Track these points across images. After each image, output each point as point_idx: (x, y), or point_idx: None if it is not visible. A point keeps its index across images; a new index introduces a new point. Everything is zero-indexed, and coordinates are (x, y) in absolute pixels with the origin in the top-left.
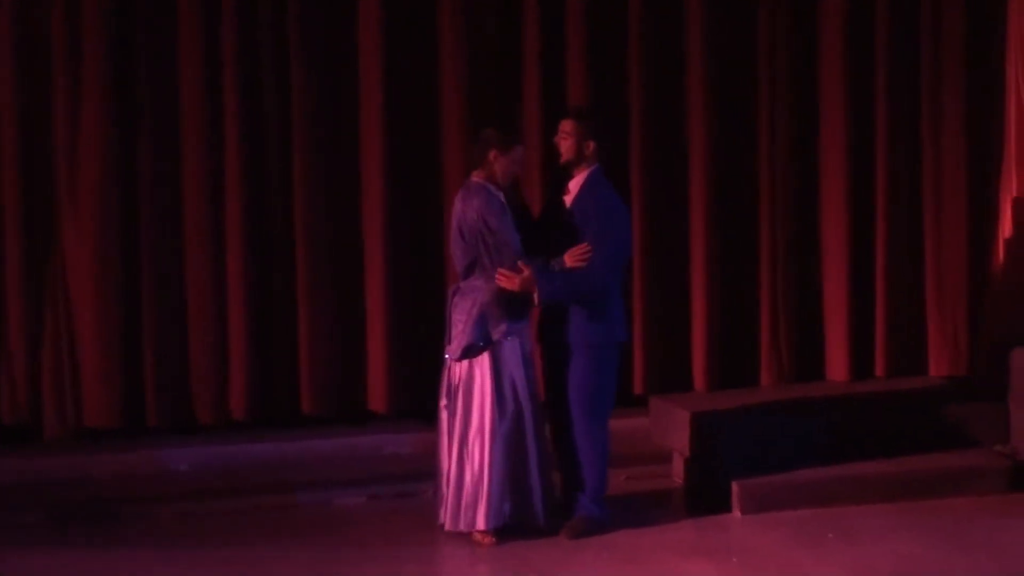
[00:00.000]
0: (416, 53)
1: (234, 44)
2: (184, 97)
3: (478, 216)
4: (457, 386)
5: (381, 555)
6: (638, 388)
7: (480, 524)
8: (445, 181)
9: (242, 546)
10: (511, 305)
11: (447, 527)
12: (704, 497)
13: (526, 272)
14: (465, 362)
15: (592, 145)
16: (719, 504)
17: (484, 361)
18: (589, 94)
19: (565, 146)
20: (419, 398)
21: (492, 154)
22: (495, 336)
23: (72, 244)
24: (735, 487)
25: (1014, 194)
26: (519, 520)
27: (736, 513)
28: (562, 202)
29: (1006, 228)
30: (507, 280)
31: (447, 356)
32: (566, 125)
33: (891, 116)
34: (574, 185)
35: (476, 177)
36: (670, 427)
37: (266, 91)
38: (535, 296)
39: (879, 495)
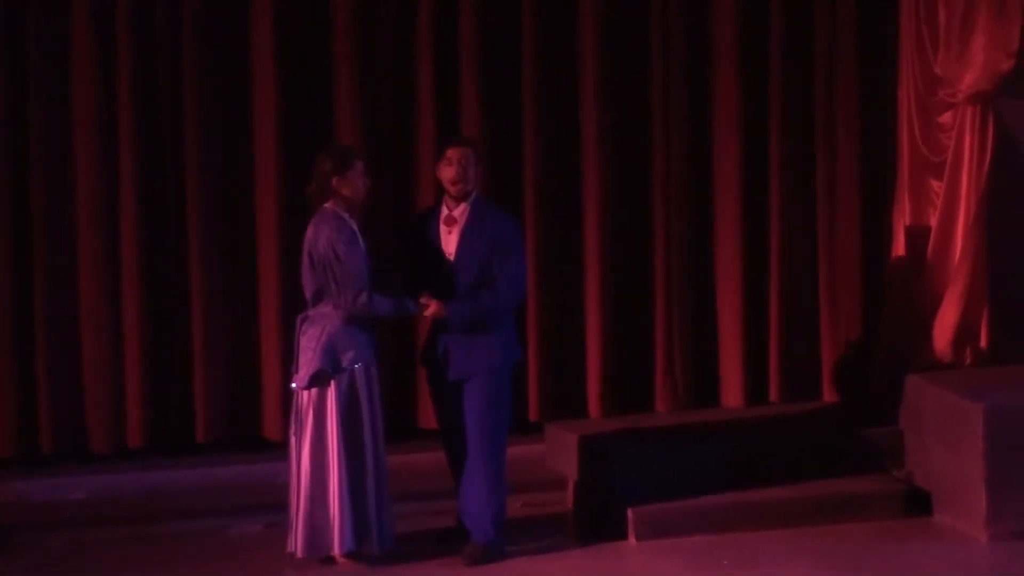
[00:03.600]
0: (310, 83)
1: (129, 78)
2: (76, 125)
3: (328, 245)
4: (306, 414)
5: None
6: (533, 415)
7: (334, 550)
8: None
9: (134, 573)
10: (360, 332)
11: (299, 555)
12: (600, 524)
13: (433, 303)
14: (314, 390)
15: (481, 170)
16: (615, 531)
17: (332, 389)
18: (483, 118)
19: (469, 175)
20: None
21: (334, 181)
22: (344, 363)
23: None
24: (630, 514)
25: (907, 222)
26: (358, 547)
27: (632, 540)
28: (434, 229)
29: (900, 254)
30: (423, 308)
31: (293, 385)
32: (466, 153)
33: (785, 145)
34: (460, 213)
35: (328, 205)
36: (565, 453)
37: (161, 120)
38: (446, 320)
39: (776, 521)
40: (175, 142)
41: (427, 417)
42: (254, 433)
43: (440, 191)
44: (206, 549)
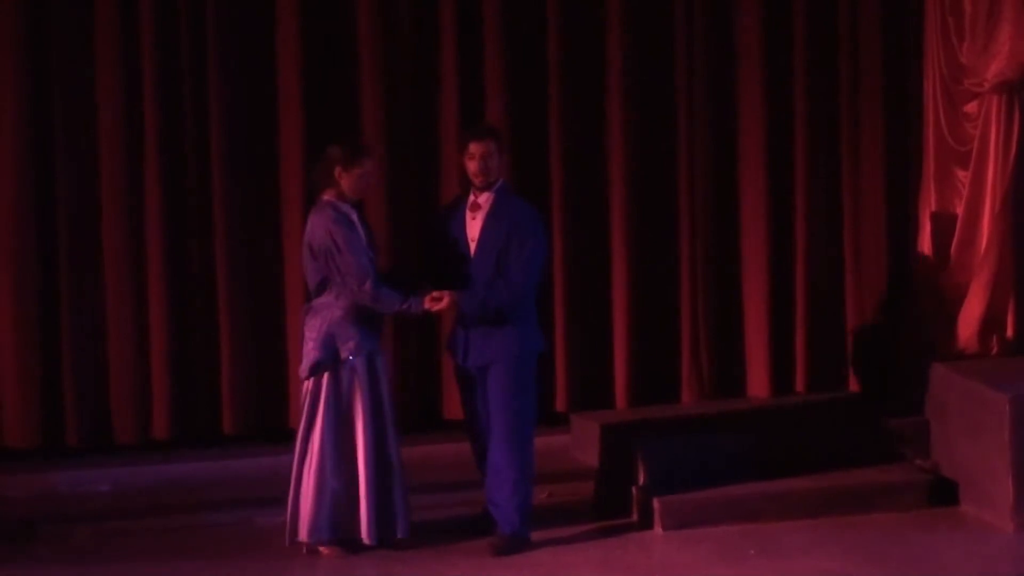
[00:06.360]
0: (334, 72)
1: (153, 72)
2: (102, 117)
3: (326, 234)
4: (303, 403)
5: (297, 571)
6: (560, 406)
7: (301, 536)
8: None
9: (159, 564)
10: (361, 323)
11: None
12: (626, 514)
13: (446, 296)
14: (312, 380)
15: (505, 158)
16: (641, 521)
17: (328, 380)
18: (508, 108)
19: (491, 167)
20: None
21: (337, 171)
22: (343, 354)
23: None
24: (656, 503)
25: (933, 211)
26: (348, 536)
27: (658, 529)
28: (460, 216)
29: (926, 243)
30: (434, 303)
31: (301, 375)
32: (488, 146)
33: (810, 134)
34: (485, 200)
35: (326, 195)
36: (591, 444)
37: (186, 111)
38: (460, 311)
39: (801, 511)
40: (200, 135)
41: (452, 407)
42: (281, 425)
43: (466, 179)
44: (228, 540)
